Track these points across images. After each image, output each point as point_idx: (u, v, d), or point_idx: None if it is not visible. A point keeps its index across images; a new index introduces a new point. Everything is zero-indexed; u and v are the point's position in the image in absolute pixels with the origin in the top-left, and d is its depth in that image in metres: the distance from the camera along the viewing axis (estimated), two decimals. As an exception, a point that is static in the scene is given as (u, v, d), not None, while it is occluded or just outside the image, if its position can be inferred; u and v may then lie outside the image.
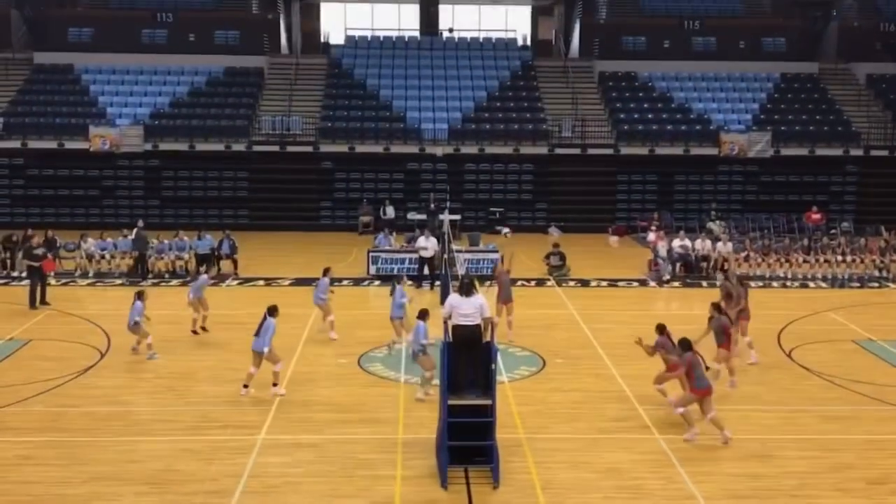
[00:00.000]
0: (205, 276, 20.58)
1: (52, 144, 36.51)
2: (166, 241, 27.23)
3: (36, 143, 36.52)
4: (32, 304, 22.10)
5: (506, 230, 32.73)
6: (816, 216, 35.10)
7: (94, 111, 38.11)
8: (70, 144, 36.41)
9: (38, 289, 22.49)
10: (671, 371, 14.91)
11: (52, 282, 24.04)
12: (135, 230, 26.91)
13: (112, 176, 37.06)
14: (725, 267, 27.18)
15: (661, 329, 15.64)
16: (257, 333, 15.76)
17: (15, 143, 36.45)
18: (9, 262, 26.60)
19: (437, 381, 16.25)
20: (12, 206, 36.48)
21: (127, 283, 25.42)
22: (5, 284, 25.32)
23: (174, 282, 25.81)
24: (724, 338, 16.37)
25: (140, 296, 18.06)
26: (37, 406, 15.26)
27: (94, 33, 41.60)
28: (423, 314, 16.02)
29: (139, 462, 12.90)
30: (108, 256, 27.01)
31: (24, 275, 24.98)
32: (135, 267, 26.29)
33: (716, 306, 16.71)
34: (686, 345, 14.35)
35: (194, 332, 19.70)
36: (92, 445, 13.51)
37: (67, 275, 26.13)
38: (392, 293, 18.78)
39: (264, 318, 15.84)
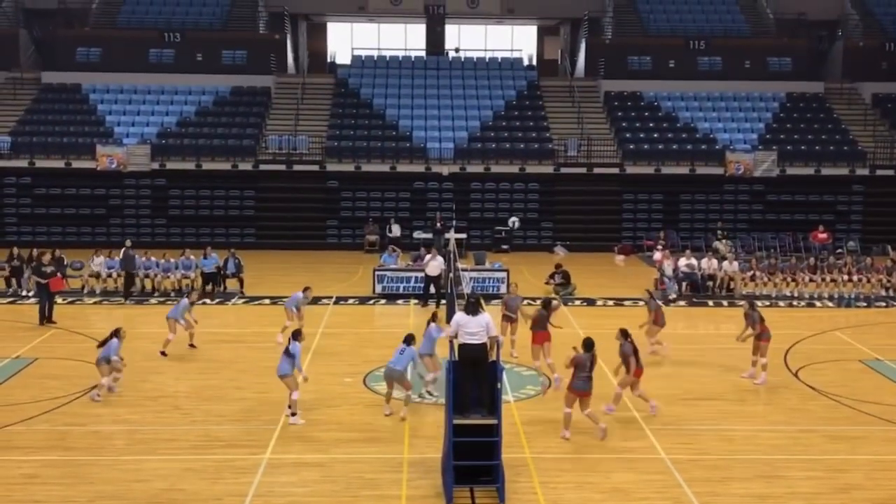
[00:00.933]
0: (185, 301, 20.21)
1: (60, 163, 36.69)
2: (153, 259, 27.12)
3: (43, 162, 36.70)
4: (42, 321, 22.17)
5: (560, 249, 33.00)
6: (822, 235, 35.06)
7: (101, 130, 38.31)
8: (77, 163, 36.59)
9: (45, 305, 22.56)
10: (636, 375, 15.68)
11: (59, 300, 24.09)
12: (122, 250, 26.79)
13: (119, 195, 37.20)
14: (734, 287, 27.23)
15: (624, 334, 16.14)
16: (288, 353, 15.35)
17: (22, 163, 36.65)
18: (15, 280, 26.65)
19: (433, 393, 16.34)
20: (19, 224, 36.62)
21: (133, 302, 25.47)
22: (12, 302, 25.37)
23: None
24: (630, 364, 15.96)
25: (117, 334, 16.89)
26: (42, 425, 15.28)
27: (101, 53, 41.87)
28: (433, 317, 17.29)
29: (144, 481, 12.89)
30: (114, 275, 27.03)
31: (31, 293, 25.09)
32: (126, 287, 26.17)
33: (623, 333, 16.31)
34: (587, 344, 14.90)
35: (163, 353, 19.44)
36: (97, 464, 13.50)
37: (74, 293, 26.20)
38: (426, 329, 17.73)
39: (289, 342, 15.57)
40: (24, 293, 26.01)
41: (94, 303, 25.51)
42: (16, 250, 27.17)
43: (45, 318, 22.49)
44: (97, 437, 14.66)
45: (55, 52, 42.53)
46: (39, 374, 18.23)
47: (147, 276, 26.85)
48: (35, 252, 26.27)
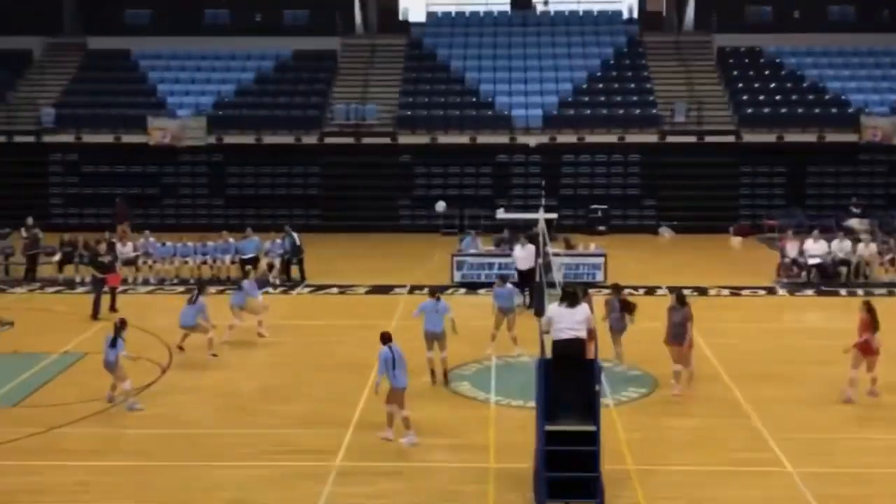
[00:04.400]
0: (247, 282, 21.02)
1: (108, 138, 37.68)
2: (153, 241, 27.84)
3: (91, 136, 37.75)
4: (95, 316, 22.84)
5: (665, 231, 32.84)
6: None
7: (152, 101, 39.20)
8: (127, 138, 37.52)
9: (100, 298, 23.27)
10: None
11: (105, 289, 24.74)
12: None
13: (173, 173, 38.06)
14: (869, 274, 26.60)
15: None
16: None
17: (68, 137, 37.77)
18: (66, 267, 27.47)
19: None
20: (65, 206, 37.76)
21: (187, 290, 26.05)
22: (59, 291, 26.18)
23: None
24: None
25: (120, 326, 16.79)
26: (94, 427, 15.74)
27: (151, 15, 42.81)
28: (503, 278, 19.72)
29: (207, 490, 13.20)
30: (168, 262, 27.68)
31: (87, 280, 25.80)
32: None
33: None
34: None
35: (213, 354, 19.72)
36: (154, 471, 13.86)
37: (125, 282, 26.91)
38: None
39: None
40: (78, 279, 26.79)
41: (148, 292, 26.15)
42: (66, 236, 28.01)
43: (109, 306, 23.23)
44: (154, 442, 15.05)
45: (101, 14, 43.61)
46: (89, 370, 18.71)
47: (146, 261, 27.46)
48: (83, 239, 27.02)
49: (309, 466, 13.96)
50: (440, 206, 30.39)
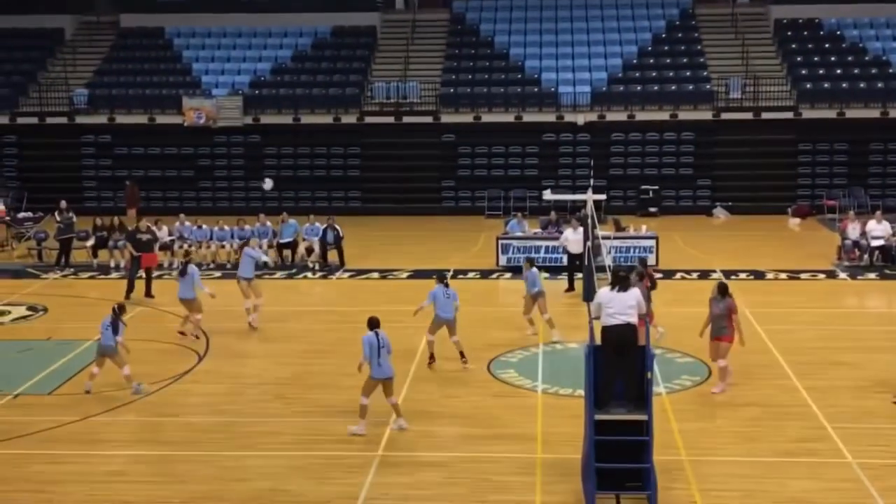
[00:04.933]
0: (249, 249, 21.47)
1: (142, 119, 38.02)
2: (188, 225, 28.22)
3: (124, 117, 38.10)
4: (128, 295, 23.13)
5: (720, 212, 32.71)
6: None
7: (187, 80, 39.47)
8: (161, 119, 37.85)
9: (135, 278, 23.58)
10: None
11: (142, 273, 25.00)
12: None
13: (208, 154, 38.35)
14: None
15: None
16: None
17: (101, 119, 38.14)
18: (99, 252, 27.78)
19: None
20: (99, 188, 38.19)
21: (224, 275, 26.28)
22: (93, 277, 26.52)
23: (278, 274, 26.50)
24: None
25: (122, 311, 17.10)
26: (129, 415, 15.96)
27: (186, -9, 43.06)
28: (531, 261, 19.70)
29: (243, 480, 13.33)
30: (205, 246, 27.91)
31: (122, 265, 26.10)
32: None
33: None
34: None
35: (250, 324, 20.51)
36: (191, 461, 14.03)
37: (161, 267, 27.17)
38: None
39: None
40: (113, 264, 27.08)
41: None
42: (99, 220, 28.32)
43: (144, 292, 23.59)
44: (191, 430, 15.23)
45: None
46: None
47: (181, 246, 27.67)
48: (118, 220, 27.37)
49: (350, 456, 14.04)
50: (267, 183, 29.92)
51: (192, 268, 20.20)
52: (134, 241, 24.20)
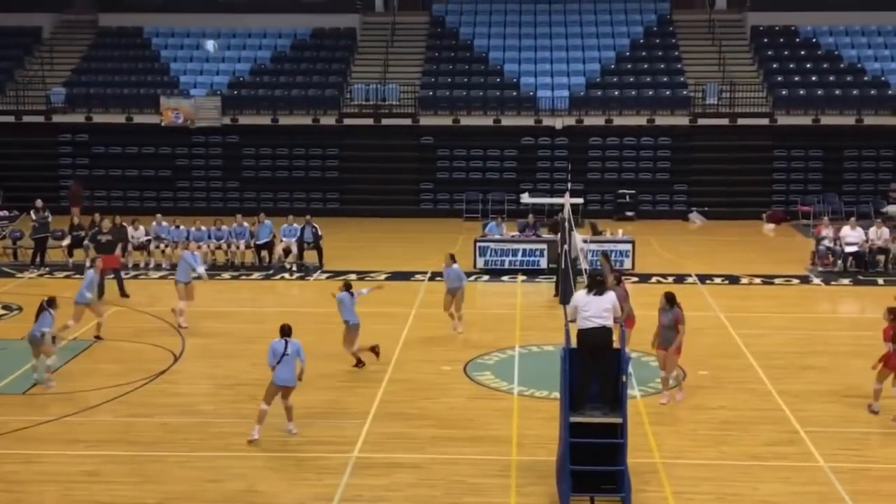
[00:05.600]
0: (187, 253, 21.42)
1: (120, 118, 37.82)
2: (164, 225, 27.99)
3: (102, 116, 37.90)
4: (98, 296, 22.96)
5: (696, 217, 32.73)
6: None
7: (165, 80, 39.31)
8: (139, 118, 37.67)
9: (102, 281, 23.40)
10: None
11: (124, 274, 24.87)
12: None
13: (186, 154, 38.19)
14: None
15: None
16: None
17: (79, 117, 37.92)
18: (75, 251, 27.62)
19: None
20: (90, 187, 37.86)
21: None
22: (69, 277, 26.35)
23: (255, 275, 26.44)
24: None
25: (50, 304, 17.29)
26: (104, 416, 15.86)
27: (166, -10, 42.91)
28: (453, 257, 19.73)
29: (217, 481, 13.28)
30: (182, 246, 27.75)
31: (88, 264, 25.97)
32: None
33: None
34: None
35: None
36: (165, 461, 13.96)
37: (138, 267, 27.07)
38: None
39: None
40: (87, 264, 26.91)
41: (160, 277, 26.26)
42: (76, 220, 28.13)
43: (120, 293, 23.49)
44: (166, 431, 15.15)
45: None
46: (100, 357, 18.91)
47: (158, 245, 27.61)
48: (97, 217, 27.21)
49: (324, 458, 14.02)
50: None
51: (185, 252, 20.77)
52: (94, 242, 24.06)
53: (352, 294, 18.06)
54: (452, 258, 20.43)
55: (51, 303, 17.24)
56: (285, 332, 14.86)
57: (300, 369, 14.81)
